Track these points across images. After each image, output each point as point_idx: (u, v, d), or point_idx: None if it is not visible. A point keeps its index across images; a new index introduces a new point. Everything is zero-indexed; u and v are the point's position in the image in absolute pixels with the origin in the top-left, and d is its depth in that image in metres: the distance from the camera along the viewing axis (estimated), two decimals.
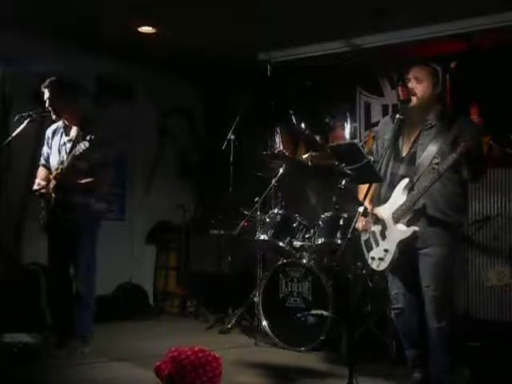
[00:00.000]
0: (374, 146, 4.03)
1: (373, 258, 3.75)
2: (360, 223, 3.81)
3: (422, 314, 3.69)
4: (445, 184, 3.59)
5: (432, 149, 3.60)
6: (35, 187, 4.66)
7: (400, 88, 3.75)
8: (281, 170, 5.50)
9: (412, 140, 3.75)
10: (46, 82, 4.64)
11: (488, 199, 5.50)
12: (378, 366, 4.43)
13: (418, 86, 3.71)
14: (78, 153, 4.36)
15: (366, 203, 3.64)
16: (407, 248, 3.62)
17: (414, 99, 3.70)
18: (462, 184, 3.67)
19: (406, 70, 3.83)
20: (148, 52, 6.25)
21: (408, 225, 3.61)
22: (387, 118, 4.14)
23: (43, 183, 4.64)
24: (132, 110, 6.80)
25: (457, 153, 3.36)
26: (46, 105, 4.65)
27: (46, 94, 4.63)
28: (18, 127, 4.60)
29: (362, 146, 6.12)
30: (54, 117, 4.69)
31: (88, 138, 4.31)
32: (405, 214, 3.62)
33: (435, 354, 3.65)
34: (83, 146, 4.31)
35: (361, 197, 3.72)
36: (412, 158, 3.70)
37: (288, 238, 5.32)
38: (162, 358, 3.62)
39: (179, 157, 7.38)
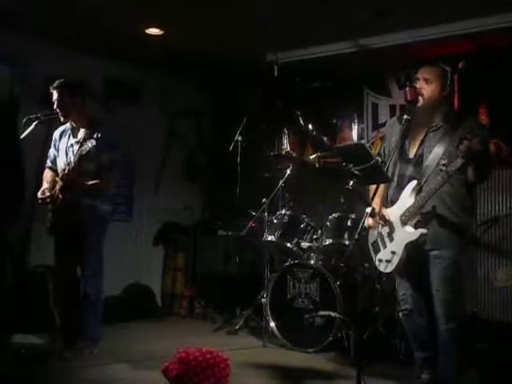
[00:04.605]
0: (382, 148, 4.03)
1: (380, 260, 3.74)
2: (368, 224, 3.80)
3: (431, 315, 3.68)
4: (453, 185, 3.58)
5: (439, 150, 3.59)
6: (40, 195, 4.60)
7: (408, 88, 3.73)
8: (288, 171, 5.50)
9: (419, 141, 3.73)
10: (55, 84, 4.64)
11: (496, 200, 5.48)
12: (386, 367, 4.41)
13: (427, 87, 3.69)
14: (85, 152, 4.36)
15: (374, 204, 3.62)
16: (415, 250, 3.61)
17: (420, 100, 3.69)
18: (470, 185, 3.65)
19: (415, 70, 3.82)
20: (155, 54, 6.26)
21: (416, 227, 3.60)
22: (394, 119, 4.14)
23: (48, 193, 4.59)
24: (139, 111, 6.82)
25: (461, 153, 3.34)
26: (54, 106, 4.65)
27: (55, 96, 4.64)
28: (26, 129, 4.60)
29: (370, 146, 6.11)
30: (61, 118, 4.70)
31: (95, 136, 4.31)
32: (413, 216, 3.61)
33: (444, 356, 3.64)
34: (90, 144, 4.32)
35: (370, 197, 3.71)
36: (419, 159, 3.69)
37: (296, 239, 5.32)
38: (170, 358, 3.62)
39: (187, 158, 7.39)
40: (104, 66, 6.33)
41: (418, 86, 3.69)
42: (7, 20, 5.24)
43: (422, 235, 3.57)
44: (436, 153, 3.60)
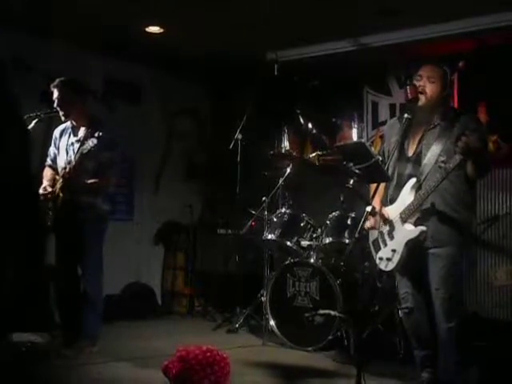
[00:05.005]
0: (382, 149, 4.03)
1: (381, 259, 3.74)
2: (368, 223, 3.80)
3: (431, 314, 3.68)
4: (452, 182, 3.58)
5: (437, 147, 3.60)
6: (41, 191, 4.61)
7: (408, 87, 3.73)
8: (288, 170, 5.50)
9: (417, 140, 3.74)
10: (55, 82, 4.65)
11: (496, 198, 5.49)
12: (386, 365, 4.41)
13: (429, 86, 3.68)
14: (86, 150, 4.37)
15: (374, 203, 3.62)
16: (416, 248, 3.61)
17: (422, 98, 3.68)
18: (469, 181, 3.65)
19: (416, 69, 3.81)
20: (155, 52, 6.26)
21: (416, 225, 3.60)
22: (394, 119, 4.15)
23: (49, 189, 4.61)
24: (139, 111, 6.81)
25: (460, 150, 3.35)
26: (55, 105, 4.66)
27: (55, 94, 4.65)
28: None
29: (370, 145, 6.11)
30: (62, 117, 4.71)
31: (96, 135, 4.32)
32: (412, 213, 3.61)
33: (444, 354, 3.64)
34: (91, 143, 4.32)
35: (371, 196, 3.71)
36: (418, 157, 3.69)
37: (295, 238, 5.32)
38: (170, 357, 3.62)
39: (186, 157, 7.39)
40: (104, 65, 6.33)
41: (420, 83, 3.68)
42: (8, 19, 5.24)
43: (421, 233, 3.57)
44: (434, 150, 3.60)
